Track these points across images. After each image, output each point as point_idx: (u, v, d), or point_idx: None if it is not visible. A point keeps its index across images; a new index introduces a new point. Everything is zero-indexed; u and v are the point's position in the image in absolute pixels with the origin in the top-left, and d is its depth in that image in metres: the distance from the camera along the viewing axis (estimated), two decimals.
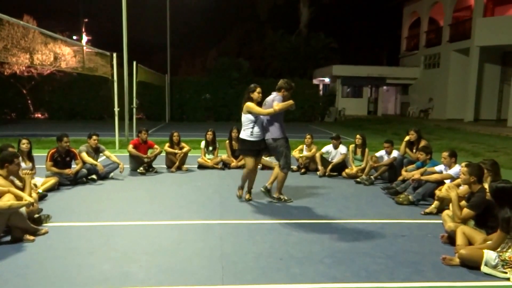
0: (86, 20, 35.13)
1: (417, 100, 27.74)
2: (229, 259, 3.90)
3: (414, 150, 7.40)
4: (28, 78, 21.77)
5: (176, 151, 8.42)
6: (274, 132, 5.75)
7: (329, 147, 8.43)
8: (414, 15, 29.55)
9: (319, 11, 32.30)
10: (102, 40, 29.29)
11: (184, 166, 8.50)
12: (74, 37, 31.19)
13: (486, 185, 4.42)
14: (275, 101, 5.63)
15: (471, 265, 3.74)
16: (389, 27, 33.34)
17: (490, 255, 3.66)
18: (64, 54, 18.44)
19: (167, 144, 8.54)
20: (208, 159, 8.77)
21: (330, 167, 8.06)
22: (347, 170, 8.00)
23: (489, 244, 3.80)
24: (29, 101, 22.88)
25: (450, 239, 4.36)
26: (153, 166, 8.29)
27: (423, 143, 7.25)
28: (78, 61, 17.43)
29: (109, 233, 4.59)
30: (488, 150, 11.60)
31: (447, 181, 5.72)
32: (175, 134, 8.54)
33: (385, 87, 30.55)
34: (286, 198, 6.09)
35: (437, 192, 5.67)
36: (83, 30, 34.64)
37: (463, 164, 4.74)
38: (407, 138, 7.52)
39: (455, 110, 23.99)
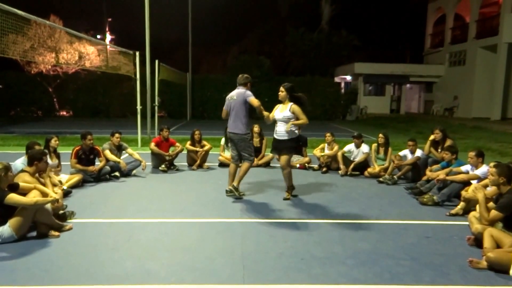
0: (110, 19, 35.70)
1: (442, 98, 27.12)
2: (250, 258, 3.89)
3: (439, 150, 7.21)
4: (53, 77, 22.40)
5: (197, 149, 8.47)
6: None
7: (351, 146, 8.31)
8: (439, 11, 28.88)
9: (341, 8, 31.91)
10: (125, 39, 29.76)
11: (205, 164, 8.53)
12: (98, 36, 31.78)
13: None
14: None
15: (499, 269, 3.63)
16: (413, 24, 32.66)
17: None
18: (89, 53, 18.81)
19: (189, 142, 8.59)
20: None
21: (352, 166, 7.95)
22: (369, 170, 7.89)
23: None
24: (54, 99, 23.48)
25: (477, 241, 4.24)
26: (175, 163, 8.36)
27: (448, 142, 7.08)
28: (102, 60, 17.73)
29: (132, 230, 4.65)
30: None
31: (474, 182, 5.57)
32: (197, 132, 8.59)
33: (408, 85, 29.94)
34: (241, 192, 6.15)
35: (463, 193, 5.53)
36: (107, 29, 35.23)
37: (492, 164, 4.61)
38: (432, 137, 7.34)
39: (481, 108, 23.38)
